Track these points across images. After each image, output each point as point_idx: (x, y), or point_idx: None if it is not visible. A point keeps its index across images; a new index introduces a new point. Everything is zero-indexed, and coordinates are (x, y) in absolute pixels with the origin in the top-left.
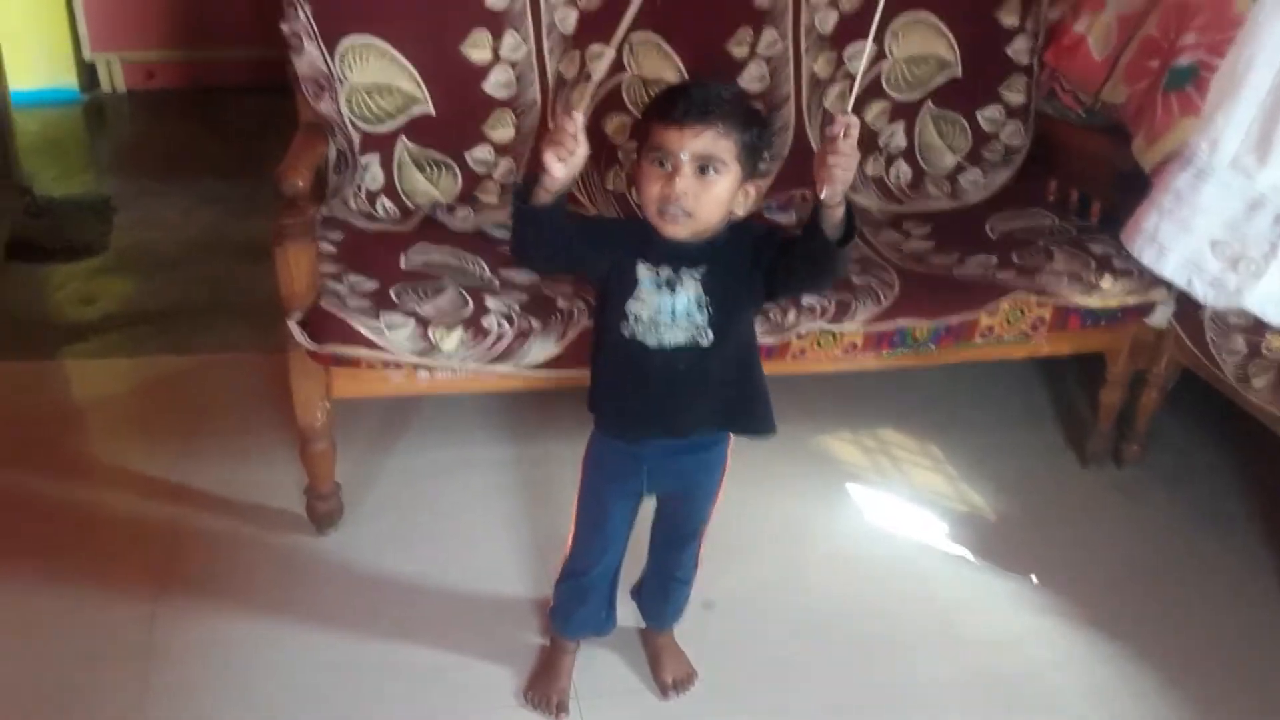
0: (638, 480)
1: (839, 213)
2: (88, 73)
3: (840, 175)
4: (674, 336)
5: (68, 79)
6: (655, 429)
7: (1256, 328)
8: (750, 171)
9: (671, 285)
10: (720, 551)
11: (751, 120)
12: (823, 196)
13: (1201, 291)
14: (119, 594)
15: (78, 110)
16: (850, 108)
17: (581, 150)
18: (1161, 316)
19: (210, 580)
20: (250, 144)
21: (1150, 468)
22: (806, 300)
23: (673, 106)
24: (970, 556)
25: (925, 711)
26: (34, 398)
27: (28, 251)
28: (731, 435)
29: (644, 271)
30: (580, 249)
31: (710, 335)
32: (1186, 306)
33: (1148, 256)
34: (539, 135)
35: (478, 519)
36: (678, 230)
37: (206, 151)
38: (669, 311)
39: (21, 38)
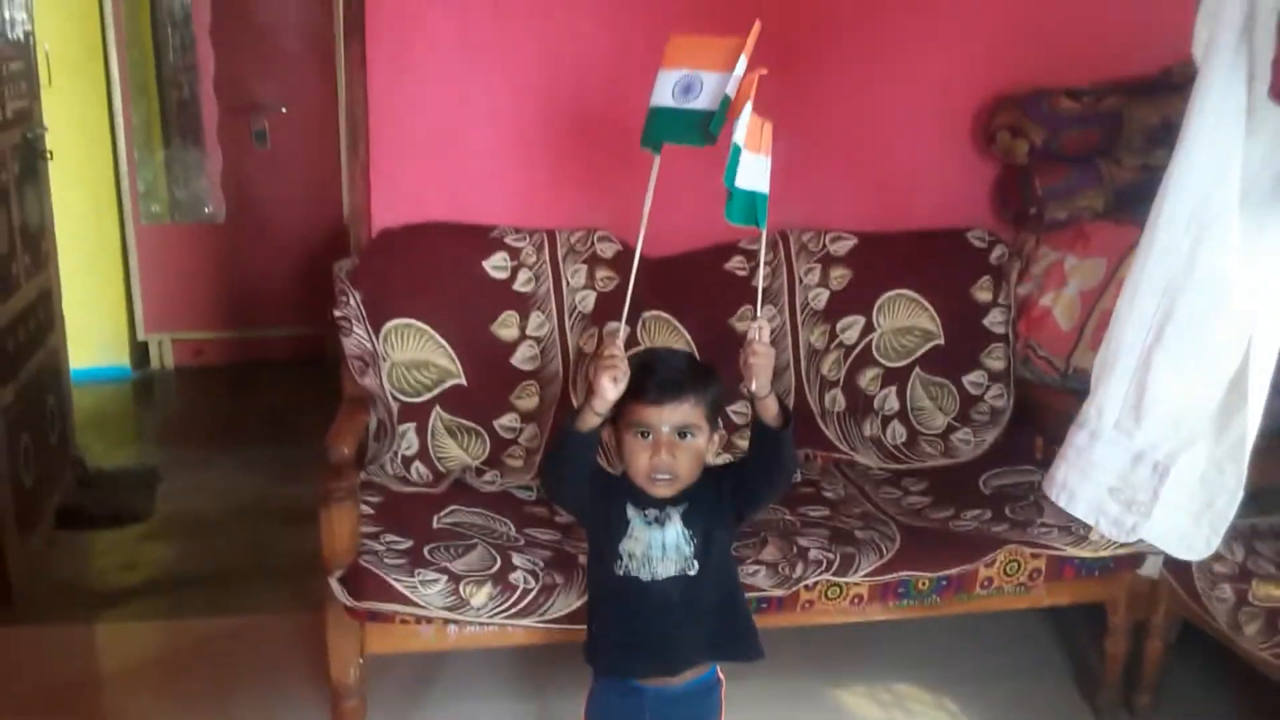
0: None
1: (771, 403)
2: (140, 351)
3: (761, 369)
4: (665, 569)
5: (120, 357)
6: (651, 665)
7: (1241, 575)
8: (716, 423)
9: (661, 521)
10: None
11: (711, 382)
12: (752, 389)
13: (1106, 529)
14: None
15: (129, 386)
16: (759, 314)
17: (627, 371)
18: (1152, 566)
19: None
20: (289, 414)
21: (1163, 717)
22: (813, 554)
23: (647, 388)
24: None
25: None
26: (71, 662)
27: (76, 519)
28: (724, 682)
29: (634, 513)
30: (591, 484)
31: (696, 565)
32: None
33: (1062, 500)
34: (561, 404)
35: None
36: (666, 492)
37: (248, 422)
38: (660, 545)
39: (82, 322)
